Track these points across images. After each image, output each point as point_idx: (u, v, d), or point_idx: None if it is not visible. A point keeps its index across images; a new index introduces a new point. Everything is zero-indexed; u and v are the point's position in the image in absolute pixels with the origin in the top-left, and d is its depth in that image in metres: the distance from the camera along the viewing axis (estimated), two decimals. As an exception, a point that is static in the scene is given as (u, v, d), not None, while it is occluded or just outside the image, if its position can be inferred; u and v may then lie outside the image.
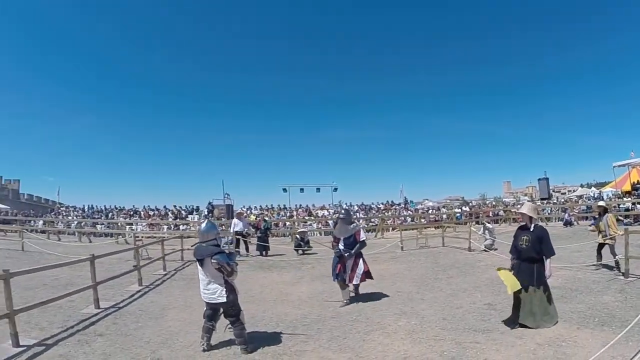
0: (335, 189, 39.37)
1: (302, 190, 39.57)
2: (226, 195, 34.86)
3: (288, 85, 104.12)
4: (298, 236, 19.04)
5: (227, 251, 6.55)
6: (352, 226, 8.87)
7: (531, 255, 6.26)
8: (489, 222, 18.30)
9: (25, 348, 6.21)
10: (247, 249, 17.90)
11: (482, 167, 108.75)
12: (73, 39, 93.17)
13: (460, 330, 6.49)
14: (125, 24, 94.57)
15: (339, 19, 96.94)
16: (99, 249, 14.50)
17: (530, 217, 6.45)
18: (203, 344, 6.06)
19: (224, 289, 5.93)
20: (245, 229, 18.19)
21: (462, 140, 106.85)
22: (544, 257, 6.28)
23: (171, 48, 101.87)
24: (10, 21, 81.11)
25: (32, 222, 33.56)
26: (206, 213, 33.11)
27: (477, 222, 26.04)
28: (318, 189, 39.61)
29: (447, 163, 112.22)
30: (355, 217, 9.57)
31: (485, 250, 14.82)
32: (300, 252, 17.81)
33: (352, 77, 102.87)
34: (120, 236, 25.41)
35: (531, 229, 6.38)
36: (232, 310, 6.02)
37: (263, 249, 17.88)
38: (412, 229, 23.48)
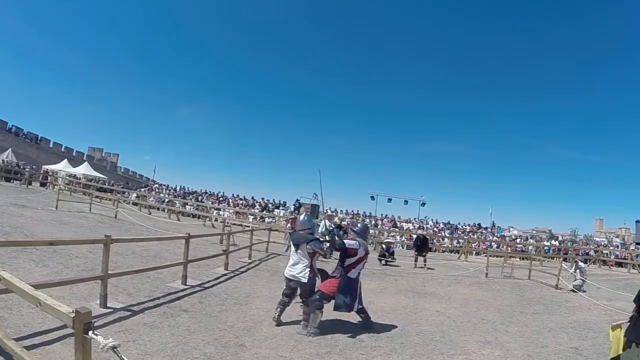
0: (423, 204, 39.06)
1: (389, 200, 39.84)
2: (314, 195, 35.33)
3: (389, 95, 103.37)
4: (384, 246, 18.93)
5: (321, 239, 7.56)
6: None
7: None
8: (581, 261, 17.02)
9: (111, 310, 6.51)
10: (332, 252, 17.75)
11: (573, 200, 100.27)
12: (188, 38, 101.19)
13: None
14: (235, 24, 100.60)
15: (448, 31, 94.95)
16: (187, 228, 15.12)
17: None
18: (275, 315, 7.07)
19: (308, 272, 7.05)
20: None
21: (554, 167, 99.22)
22: None
23: (278, 47, 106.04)
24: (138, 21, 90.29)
25: (127, 193, 36.03)
26: (292, 210, 33.66)
27: (565, 259, 24.86)
28: (406, 202, 39.61)
29: (536, 191, 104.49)
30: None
31: (573, 291, 13.89)
32: (383, 262, 17.69)
33: (454, 91, 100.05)
34: (208, 219, 26.57)
35: None
36: (308, 291, 7.07)
37: None
38: (498, 256, 23.01)
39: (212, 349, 5.60)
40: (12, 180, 33.86)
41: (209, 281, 9.73)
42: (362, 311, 7.52)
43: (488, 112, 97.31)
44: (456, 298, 11.34)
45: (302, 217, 7.96)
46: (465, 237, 30.51)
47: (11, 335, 4.46)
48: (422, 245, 18.41)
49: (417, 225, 33.94)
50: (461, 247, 26.87)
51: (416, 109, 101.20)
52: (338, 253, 7.60)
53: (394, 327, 7.87)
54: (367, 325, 7.43)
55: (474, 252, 26.81)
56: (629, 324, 5.32)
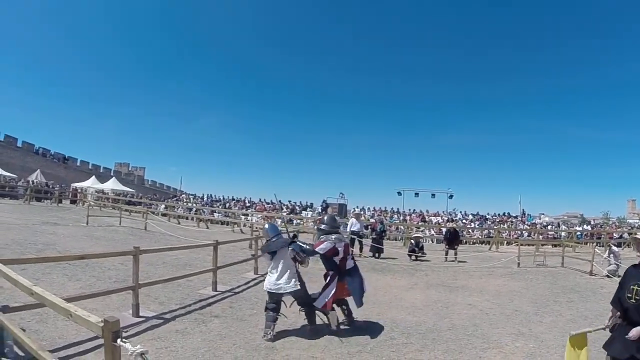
0: (451, 196, 38.50)
1: (417, 195, 39.34)
2: (340, 195, 35.41)
3: (409, 88, 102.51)
4: (413, 241, 18.78)
5: (299, 243, 6.93)
6: (321, 237, 7.45)
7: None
8: (615, 245, 16.58)
9: (144, 319, 6.67)
10: (360, 249, 18.12)
11: (604, 182, 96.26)
12: (205, 46, 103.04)
13: (581, 360, 5.93)
14: (253, 28, 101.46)
15: (461, 20, 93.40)
16: (216, 236, 15.32)
17: None
18: (270, 334, 6.36)
19: (297, 278, 6.72)
20: (361, 230, 18.59)
21: (583, 150, 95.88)
22: None
23: (294, 48, 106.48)
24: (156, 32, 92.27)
25: (155, 205, 36.57)
26: (320, 210, 33.75)
27: (599, 244, 24.37)
28: (433, 195, 39.23)
29: (566, 176, 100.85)
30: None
31: (608, 276, 13.63)
32: (413, 257, 17.58)
33: (473, 78, 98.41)
34: (236, 225, 26.83)
35: None
36: (304, 298, 6.81)
37: (377, 250, 18.02)
38: (529, 245, 22.60)
39: (243, 352, 5.68)
40: (42, 200, 34.64)
41: (239, 286, 9.83)
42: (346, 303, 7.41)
43: (509, 99, 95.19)
44: (488, 290, 11.22)
45: (267, 225, 7.48)
46: (495, 227, 29.97)
47: (46, 347, 4.60)
48: (452, 238, 18.24)
49: (446, 218, 33.63)
50: (491, 237, 26.46)
51: (436, 101, 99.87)
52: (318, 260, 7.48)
53: (426, 322, 7.84)
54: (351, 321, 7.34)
55: (505, 242, 26.57)
56: (610, 333, 4.27)
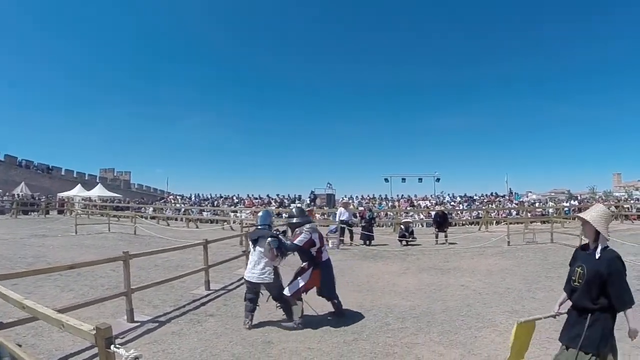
0: (438, 179, 38.80)
1: (403, 180, 39.49)
2: (328, 185, 35.61)
3: (391, 74, 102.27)
4: (402, 226, 18.91)
5: (281, 238, 6.90)
6: (297, 231, 7.27)
7: (583, 304, 3.57)
8: None
9: (139, 324, 6.73)
10: (351, 238, 18.32)
11: (590, 158, 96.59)
12: (185, 46, 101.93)
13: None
14: (228, 23, 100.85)
15: (442, 3, 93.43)
16: (205, 234, 15.34)
17: (596, 232, 3.62)
18: (248, 323, 6.63)
19: (272, 271, 6.70)
20: (351, 219, 18.77)
21: (568, 127, 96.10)
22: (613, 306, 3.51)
23: (271, 41, 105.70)
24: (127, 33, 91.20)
25: (143, 209, 36.42)
26: (308, 202, 33.87)
27: None
28: (420, 179, 39.33)
29: (552, 153, 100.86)
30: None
31: None
32: (404, 242, 17.70)
33: (456, 61, 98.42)
34: (226, 223, 26.85)
35: (596, 255, 3.59)
36: (276, 291, 6.78)
37: (367, 238, 18.20)
38: (518, 223, 22.95)
39: (240, 348, 5.75)
40: (29, 213, 34.29)
41: (232, 283, 9.89)
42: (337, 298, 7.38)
43: (491, 80, 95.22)
44: (480, 270, 11.38)
45: (260, 213, 7.55)
46: (483, 207, 30.14)
47: None
48: (441, 221, 18.44)
49: (434, 202, 33.82)
50: (480, 218, 26.66)
51: (419, 86, 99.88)
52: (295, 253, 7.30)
53: (420, 306, 7.95)
54: (340, 313, 7.29)
55: (494, 221, 26.82)
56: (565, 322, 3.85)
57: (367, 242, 18.07)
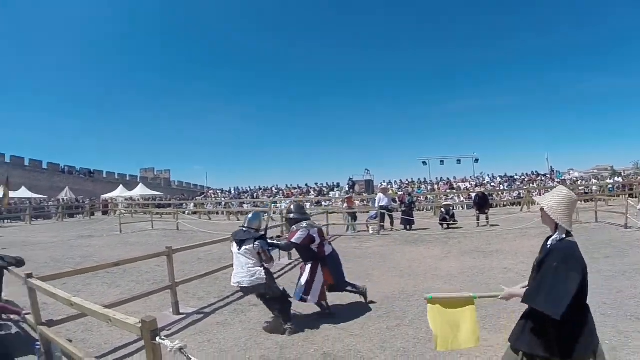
0: (477, 160, 38.55)
1: (442, 162, 39.30)
2: (366, 171, 35.51)
3: (421, 56, 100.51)
4: (443, 209, 18.72)
5: (269, 240, 6.68)
6: (293, 227, 7.07)
7: (531, 298, 3.16)
8: None
9: (184, 315, 6.88)
10: (391, 223, 18.26)
11: (633, 131, 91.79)
12: (219, 42, 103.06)
13: (622, 317, 5.83)
14: (260, 16, 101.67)
15: None
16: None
17: (554, 222, 3.20)
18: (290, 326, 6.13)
19: (263, 271, 6.12)
20: (390, 204, 18.70)
21: (609, 100, 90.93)
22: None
23: (302, 32, 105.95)
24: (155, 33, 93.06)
25: (184, 205, 37.15)
26: (347, 189, 33.89)
27: (631, 195, 23.64)
28: (459, 161, 39.10)
29: (593, 129, 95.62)
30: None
31: None
32: (445, 226, 17.51)
33: (488, 38, 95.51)
34: (266, 213, 27.08)
35: (548, 245, 3.26)
36: (270, 292, 6.18)
37: (408, 223, 18.02)
38: None
39: (284, 337, 5.79)
40: (75, 215, 35.52)
41: (274, 272, 9.93)
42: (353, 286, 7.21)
43: (530, 55, 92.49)
44: (523, 252, 11.06)
45: (250, 215, 6.84)
46: (524, 187, 29.67)
47: (93, 354, 4.82)
48: (482, 203, 18.13)
49: (474, 183, 33.45)
50: (522, 198, 26.10)
51: (454, 65, 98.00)
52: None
53: (462, 290, 7.74)
54: (363, 292, 7.21)
55: (536, 201, 25.89)
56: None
57: (408, 226, 17.91)
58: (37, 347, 5.13)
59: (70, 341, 5.10)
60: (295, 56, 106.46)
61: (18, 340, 5.96)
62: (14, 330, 6.39)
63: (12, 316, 6.24)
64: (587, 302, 3.14)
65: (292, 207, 7.38)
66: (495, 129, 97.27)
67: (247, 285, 6.11)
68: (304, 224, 6.85)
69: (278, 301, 6.17)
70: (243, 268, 6.17)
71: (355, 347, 5.33)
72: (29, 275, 5.15)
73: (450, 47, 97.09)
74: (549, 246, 3.17)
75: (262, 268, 6.12)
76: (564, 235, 3.13)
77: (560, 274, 2.94)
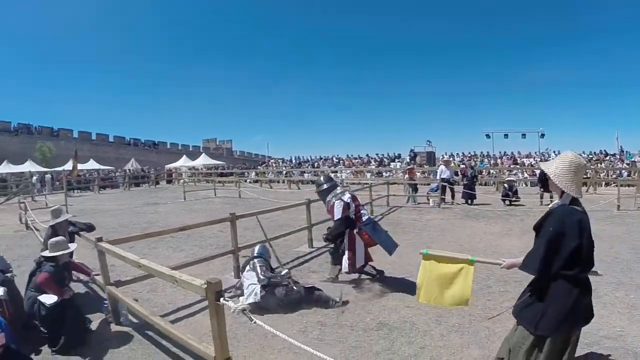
0: (543, 135, 36.98)
1: (506, 136, 38.05)
2: (428, 143, 34.80)
3: (490, 26, 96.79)
4: (506, 185, 17.94)
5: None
6: (327, 199, 6.78)
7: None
8: None
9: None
10: (452, 196, 17.80)
11: None
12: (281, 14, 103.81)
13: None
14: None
15: None
16: (307, 195, 15.50)
17: (559, 188, 3.08)
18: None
19: (260, 287, 5.64)
20: (452, 177, 18.21)
21: None
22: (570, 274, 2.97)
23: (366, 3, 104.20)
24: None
25: (246, 173, 37.82)
26: (408, 160, 33.43)
27: None
28: (524, 135, 37.78)
29: None
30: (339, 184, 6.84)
31: None
32: (507, 202, 16.81)
33: (558, 10, 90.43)
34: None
35: (549, 208, 3.18)
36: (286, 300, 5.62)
37: (469, 197, 17.48)
38: (630, 185, 20.59)
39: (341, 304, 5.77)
40: (140, 185, 37.01)
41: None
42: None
43: (600, 29, 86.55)
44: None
45: (257, 247, 6.57)
46: (591, 167, 27.79)
47: (157, 313, 4.98)
48: (547, 179, 17.23)
49: (539, 159, 31.83)
50: (588, 178, 24.27)
51: (522, 37, 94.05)
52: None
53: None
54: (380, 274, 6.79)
55: (603, 182, 24.60)
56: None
57: (469, 201, 17.39)
58: (105, 305, 5.38)
59: (136, 300, 5.26)
60: (360, 25, 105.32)
61: (87, 299, 6.22)
62: (83, 289, 6.69)
63: (81, 276, 6.49)
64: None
65: (321, 178, 7.13)
66: (563, 104, 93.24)
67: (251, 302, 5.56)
68: (338, 190, 6.70)
69: (306, 300, 5.77)
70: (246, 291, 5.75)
71: (411, 319, 5.24)
72: (99, 239, 5.39)
73: (522, 17, 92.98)
74: (550, 210, 3.08)
75: (258, 285, 5.68)
76: (567, 202, 3.01)
77: (549, 237, 2.88)
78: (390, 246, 6.49)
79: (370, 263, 6.70)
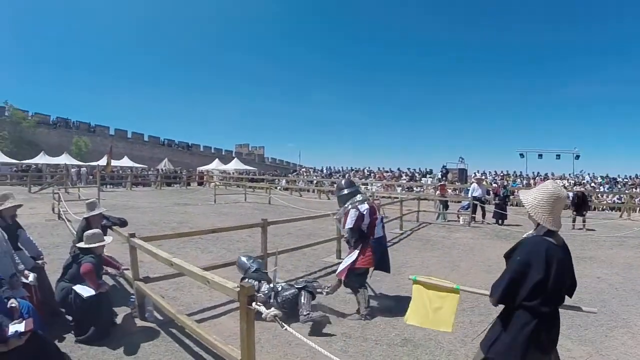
0: (577, 157, 36.40)
1: (540, 156, 37.72)
2: (460, 160, 34.49)
3: (526, 39, 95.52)
4: None
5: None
6: (344, 206, 6.32)
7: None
8: None
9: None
10: (483, 215, 17.48)
11: None
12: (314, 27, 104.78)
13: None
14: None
15: None
16: (336, 206, 15.44)
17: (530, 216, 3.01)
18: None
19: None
20: (484, 196, 18.00)
21: None
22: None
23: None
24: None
25: (277, 180, 37.96)
26: (440, 176, 33.20)
27: None
28: (558, 156, 37.25)
29: None
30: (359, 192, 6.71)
31: None
32: None
33: (596, 20, 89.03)
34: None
35: (522, 237, 3.11)
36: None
37: (500, 216, 17.11)
38: None
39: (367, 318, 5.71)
40: (172, 185, 37.49)
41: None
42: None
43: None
44: (619, 263, 10.11)
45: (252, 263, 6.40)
46: (626, 191, 27.28)
47: (183, 312, 4.94)
48: (580, 203, 16.70)
49: (573, 182, 31.28)
50: (623, 203, 24.01)
51: (556, 50, 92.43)
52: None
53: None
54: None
55: (638, 208, 24.04)
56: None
57: (500, 221, 17.02)
58: (132, 300, 5.37)
59: (163, 297, 5.24)
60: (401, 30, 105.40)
61: (113, 292, 6.24)
62: (111, 282, 6.73)
63: (110, 270, 6.49)
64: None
65: (342, 182, 6.78)
66: (600, 123, 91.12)
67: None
68: (357, 198, 6.23)
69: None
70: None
71: (436, 337, 5.12)
72: (132, 235, 5.44)
73: (559, 31, 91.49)
74: (521, 239, 3.04)
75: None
76: (541, 233, 2.95)
77: (513, 266, 2.87)
78: (386, 265, 6.36)
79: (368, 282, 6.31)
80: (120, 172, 39.75)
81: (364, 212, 6.04)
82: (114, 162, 35.47)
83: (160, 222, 13.71)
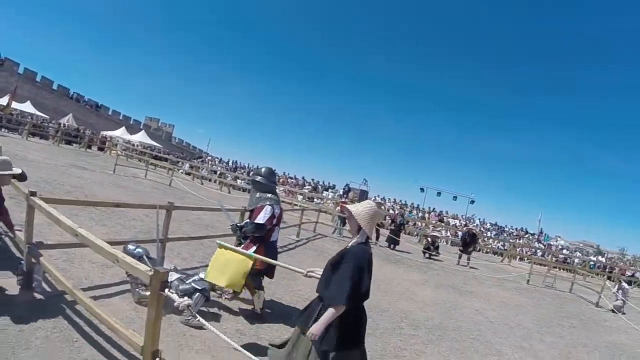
0: (472, 202, 38.96)
1: (439, 194, 40.01)
2: (364, 181, 35.70)
3: (446, 85, 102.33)
4: (429, 239, 19.03)
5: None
6: (257, 196, 6.13)
7: (318, 290, 3.62)
8: (626, 282, 16.86)
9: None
10: (377, 237, 18.51)
11: (625, 216, 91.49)
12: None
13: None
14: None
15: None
16: (240, 201, 15.41)
17: (359, 226, 3.51)
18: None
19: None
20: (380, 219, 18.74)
21: (610, 179, 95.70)
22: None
23: (330, 27, 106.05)
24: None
25: (181, 163, 37.00)
26: (341, 193, 34.10)
27: (610, 278, 23.94)
28: (455, 197, 39.74)
29: (589, 202, 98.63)
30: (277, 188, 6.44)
31: (613, 311, 13.60)
32: (427, 255, 17.83)
33: (517, 89, 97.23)
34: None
35: (348, 246, 3.58)
36: None
37: (393, 241, 18.42)
38: (541, 264, 22.90)
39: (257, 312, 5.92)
40: (72, 143, 35.09)
41: (258, 254, 9.92)
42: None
43: (551, 114, 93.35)
44: (495, 300, 11.42)
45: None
46: (511, 240, 30.57)
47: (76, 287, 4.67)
48: (469, 242, 18.28)
49: (464, 223, 33.92)
50: (506, 250, 26.90)
51: (470, 105, 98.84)
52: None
53: (433, 319, 8.08)
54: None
55: (518, 257, 26.97)
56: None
57: (392, 245, 18.28)
58: (21, 265, 4.90)
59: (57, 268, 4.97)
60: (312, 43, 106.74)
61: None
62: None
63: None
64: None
65: (263, 170, 6.37)
66: (496, 175, 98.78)
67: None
68: (274, 196, 6.10)
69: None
70: None
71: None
72: (32, 193, 4.98)
73: (482, 84, 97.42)
74: (347, 248, 3.56)
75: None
76: (363, 240, 3.53)
77: (352, 272, 3.31)
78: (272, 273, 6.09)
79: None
80: (19, 117, 36.68)
81: (276, 214, 5.96)
82: (14, 105, 32.91)
83: (55, 182, 12.81)
